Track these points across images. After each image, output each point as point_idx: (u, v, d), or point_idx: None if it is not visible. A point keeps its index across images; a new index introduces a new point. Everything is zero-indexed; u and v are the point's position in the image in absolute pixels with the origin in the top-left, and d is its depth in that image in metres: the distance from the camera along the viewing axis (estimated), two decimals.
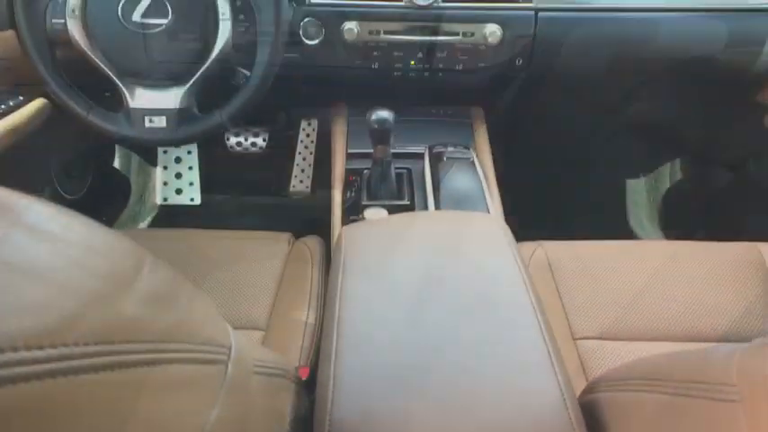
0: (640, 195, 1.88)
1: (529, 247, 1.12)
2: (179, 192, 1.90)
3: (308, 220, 1.37)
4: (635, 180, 1.90)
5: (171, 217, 1.88)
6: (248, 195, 1.94)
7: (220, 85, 1.08)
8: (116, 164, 1.85)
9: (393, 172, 1.13)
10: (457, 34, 1.22)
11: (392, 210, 1.08)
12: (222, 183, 1.94)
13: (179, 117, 1.02)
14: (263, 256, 1.11)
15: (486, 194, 1.04)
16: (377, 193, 1.13)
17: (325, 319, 0.70)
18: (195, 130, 1.03)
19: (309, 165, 1.89)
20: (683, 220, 1.79)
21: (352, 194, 1.14)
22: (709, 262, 1.09)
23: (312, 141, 1.89)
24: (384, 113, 1.07)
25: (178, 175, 1.90)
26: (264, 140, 1.81)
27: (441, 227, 0.84)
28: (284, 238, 1.18)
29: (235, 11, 1.00)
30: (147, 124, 1.02)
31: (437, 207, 1.02)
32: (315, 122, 1.83)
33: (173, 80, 1.01)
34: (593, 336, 0.99)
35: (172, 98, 1.01)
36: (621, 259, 1.10)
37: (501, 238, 0.81)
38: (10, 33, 1.21)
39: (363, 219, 1.01)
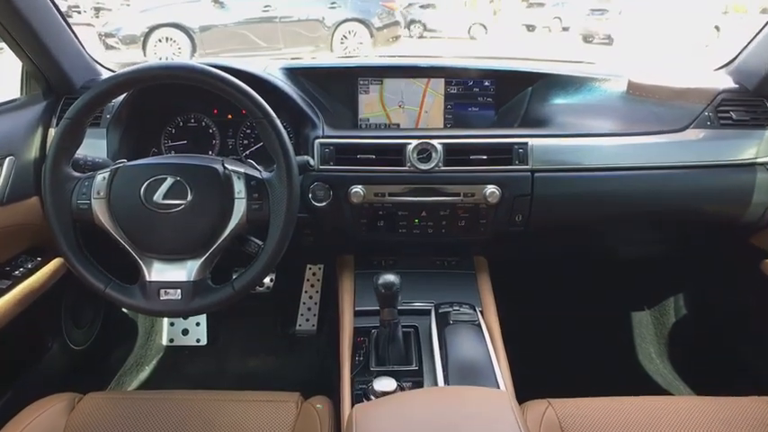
0: (647, 329, 1.88)
1: (538, 407, 1.11)
2: (185, 333, 1.91)
3: (316, 362, 1.36)
4: (640, 313, 1.91)
5: (177, 359, 1.88)
6: (255, 335, 1.94)
7: (233, 254, 1.12)
8: (125, 308, 1.88)
9: (400, 334, 1.15)
10: (458, 195, 1.29)
11: (400, 376, 1.08)
12: (229, 322, 1.94)
13: (193, 289, 1.05)
14: (268, 424, 1.09)
15: (495, 363, 1.05)
16: (384, 356, 1.13)
17: None
18: (208, 302, 1.06)
19: (315, 303, 1.91)
20: (692, 355, 1.78)
21: (361, 358, 1.15)
22: (723, 420, 1.08)
23: (318, 280, 1.92)
24: (390, 277, 1.11)
25: (185, 316, 1.92)
26: (272, 281, 1.84)
27: (451, 411, 0.84)
28: (292, 399, 1.17)
29: (249, 190, 1.06)
30: (163, 297, 1.05)
31: (446, 379, 1.02)
32: (320, 267, 1.87)
33: (188, 254, 1.06)
34: None
35: (186, 271, 1.05)
36: (633, 419, 1.09)
37: (512, 422, 0.81)
38: (34, 200, 1.28)
39: (372, 389, 1.02)
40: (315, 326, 1.89)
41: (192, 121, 1.42)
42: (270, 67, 1.39)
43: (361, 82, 1.44)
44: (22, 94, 1.41)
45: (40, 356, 1.49)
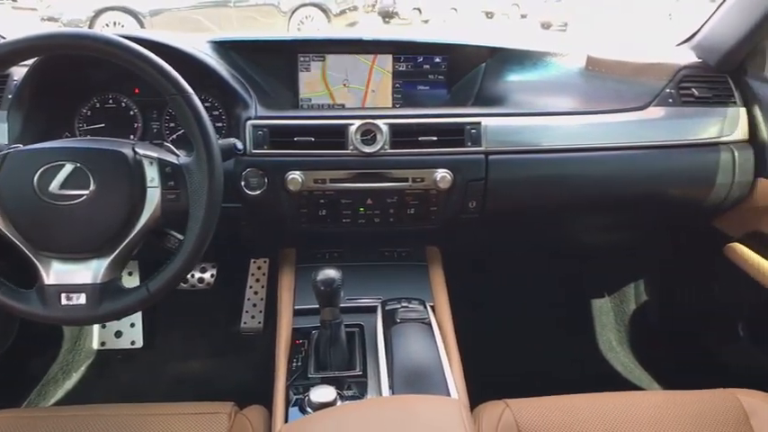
0: (607, 317, 1.83)
1: (495, 409, 1.02)
2: (118, 335, 1.75)
3: (260, 363, 1.24)
4: (600, 300, 1.85)
5: (109, 364, 1.72)
6: (196, 335, 1.81)
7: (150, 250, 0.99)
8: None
9: (343, 335, 1.04)
10: (406, 180, 1.18)
11: (343, 383, 0.97)
12: (167, 322, 1.80)
13: (100, 293, 0.91)
14: None
15: (445, 367, 0.95)
16: (325, 361, 1.02)
17: None
18: (118, 307, 0.92)
19: (261, 299, 1.78)
20: (653, 343, 1.73)
21: (299, 363, 1.04)
22: (686, 416, 1.01)
23: (264, 274, 1.80)
24: (330, 273, 0.99)
25: None
26: (212, 276, 1.70)
27: (393, 425, 0.73)
28: (224, 410, 1.05)
29: (164, 177, 0.93)
30: (64, 302, 0.91)
31: (391, 386, 0.92)
32: (266, 261, 1.75)
33: (93, 252, 0.92)
34: None
35: (92, 272, 0.91)
36: (596, 416, 1.01)
37: None
38: None
39: (309, 400, 0.90)
40: (261, 323, 1.77)
41: (111, 101, 1.27)
42: (197, 41, 1.25)
43: (302, 58, 1.32)
44: None
45: None
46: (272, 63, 1.31)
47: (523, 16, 14.74)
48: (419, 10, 12.48)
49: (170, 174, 0.93)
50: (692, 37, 1.40)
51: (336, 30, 8.22)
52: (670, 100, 1.27)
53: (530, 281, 1.71)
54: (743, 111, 1.28)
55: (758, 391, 1.05)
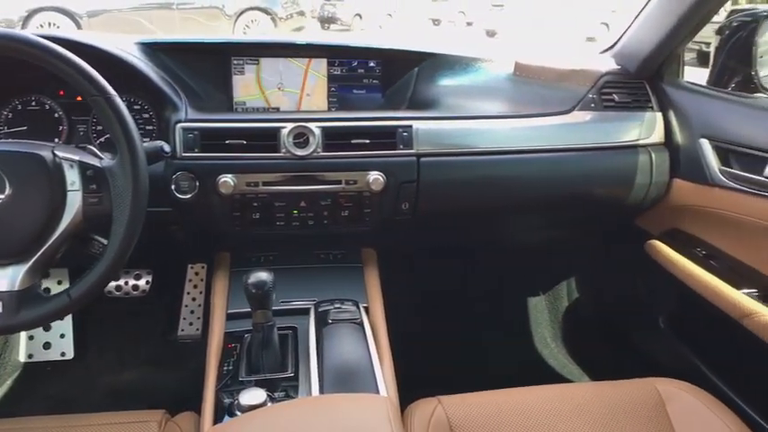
0: (542, 314, 1.88)
1: (427, 406, 1.04)
2: (47, 346, 1.68)
3: (198, 371, 1.22)
4: (535, 298, 1.90)
5: (37, 378, 1.65)
6: (131, 344, 1.75)
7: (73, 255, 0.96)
8: None
9: (276, 337, 1.03)
10: (339, 183, 1.19)
11: (275, 385, 0.97)
12: (99, 332, 1.74)
13: (17, 301, 0.88)
14: None
15: (376, 365, 0.96)
16: (258, 364, 1.02)
17: None
18: (38, 315, 0.89)
19: (199, 305, 1.75)
20: (584, 338, 1.80)
21: (230, 367, 1.03)
22: (609, 405, 1.06)
23: (201, 280, 1.77)
24: (262, 275, 0.99)
25: (46, 327, 1.69)
26: (148, 283, 1.66)
27: (320, 424, 0.74)
28: (154, 418, 1.03)
29: (85, 181, 0.90)
30: None
31: (321, 386, 0.92)
32: (203, 266, 1.72)
33: (10, 258, 0.89)
34: None
35: (8, 279, 0.88)
36: (524, 409, 1.05)
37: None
38: None
39: (238, 403, 0.90)
40: (199, 330, 1.73)
41: (34, 103, 1.23)
42: (124, 43, 1.22)
43: (235, 62, 1.31)
44: None
45: None
46: (205, 66, 1.29)
47: (469, 24, 15.05)
48: (360, 16, 12.59)
49: (92, 177, 0.91)
50: (613, 45, 1.47)
51: (276, 34, 8.15)
52: (592, 105, 1.33)
53: (467, 280, 1.74)
54: (659, 115, 1.35)
55: (674, 379, 1.11)
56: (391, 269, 1.35)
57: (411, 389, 1.08)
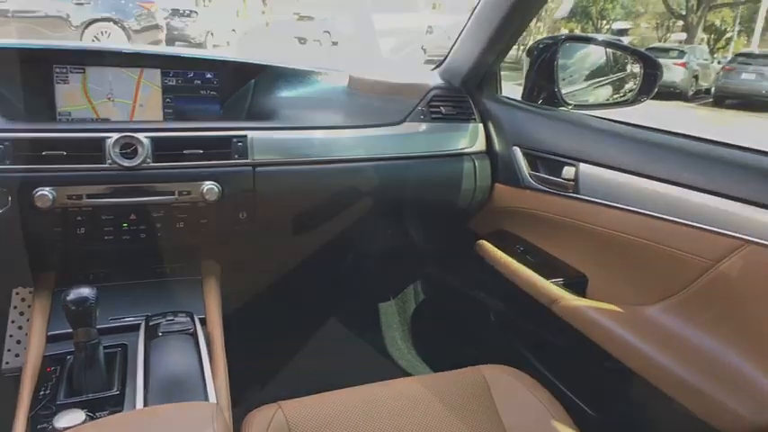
0: (392, 317, 1.96)
1: (267, 412, 1.05)
2: None
3: None
4: (386, 303, 1.98)
5: None
6: None
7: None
8: None
9: (101, 356, 0.98)
10: (172, 194, 1.16)
11: (98, 405, 0.92)
12: None
13: None
14: None
15: (207, 375, 0.95)
16: (80, 385, 0.96)
17: None
18: None
19: (26, 334, 1.60)
20: (429, 336, 1.90)
21: (48, 391, 0.96)
22: (441, 395, 1.14)
23: (29, 306, 1.62)
24: (84, 291, 0.94)
25: None
26: None
27: None
28: None
29: None
30: None
31: (146, 398, 0.89)
32: (31, 291, 1.58)
33: None
34: None
35: None
36: (362, 407, 1.09)
37: None
38: None
39: (53, 427, 0.84)
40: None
41: None
42: None
43: (58, 70, 1.24)
44: None
45: None
46: (22, 72, 1.21)
47: (335, 43, 15.35)
48: (211, 33, 12.37)
49: None
50: (442, 62, 1.60)
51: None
52: (422, 116, 1.43)
53: (320, 286, 1.77)
54: (481, 126, 1.49)
55: (500, 365, 1.22)
56: (235, 279, 1.34)
57: (257, 396, 1.08)
